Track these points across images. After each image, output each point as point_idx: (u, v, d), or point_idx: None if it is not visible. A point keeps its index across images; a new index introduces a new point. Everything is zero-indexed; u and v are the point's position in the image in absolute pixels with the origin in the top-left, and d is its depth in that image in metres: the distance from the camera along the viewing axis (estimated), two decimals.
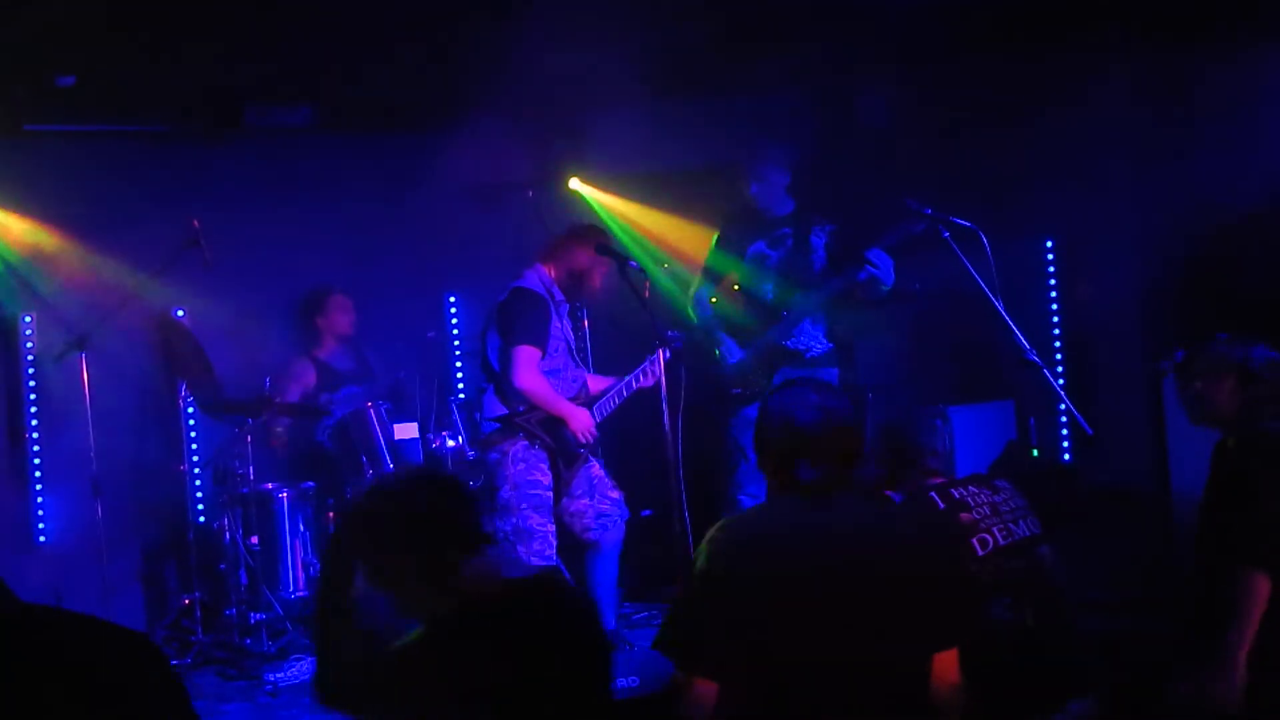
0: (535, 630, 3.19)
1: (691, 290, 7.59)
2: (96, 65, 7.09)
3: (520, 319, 6.51)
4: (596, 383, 6.85)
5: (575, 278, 6.62)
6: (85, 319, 7.76)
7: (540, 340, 6.49)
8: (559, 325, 6.60)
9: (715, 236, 7.58)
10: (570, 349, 6.70)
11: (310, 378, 8.30)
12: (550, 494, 6.52)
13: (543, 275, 6.63)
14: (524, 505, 6.46)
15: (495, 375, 6.60)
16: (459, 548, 3.24)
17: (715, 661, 3.42)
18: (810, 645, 3.39)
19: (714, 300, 7.60)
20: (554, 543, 6.50)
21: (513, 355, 6.46)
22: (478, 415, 7.19)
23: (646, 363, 6.57)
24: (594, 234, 6.75)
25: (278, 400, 7.75)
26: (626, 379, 6.67)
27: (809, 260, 7.21)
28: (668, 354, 6.29)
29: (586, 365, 7.19)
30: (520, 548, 6.43)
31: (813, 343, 7.20)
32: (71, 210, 7.96)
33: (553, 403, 6.51)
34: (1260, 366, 4.86)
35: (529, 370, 6.45)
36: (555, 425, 6.52)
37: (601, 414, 6.64)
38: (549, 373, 6.55)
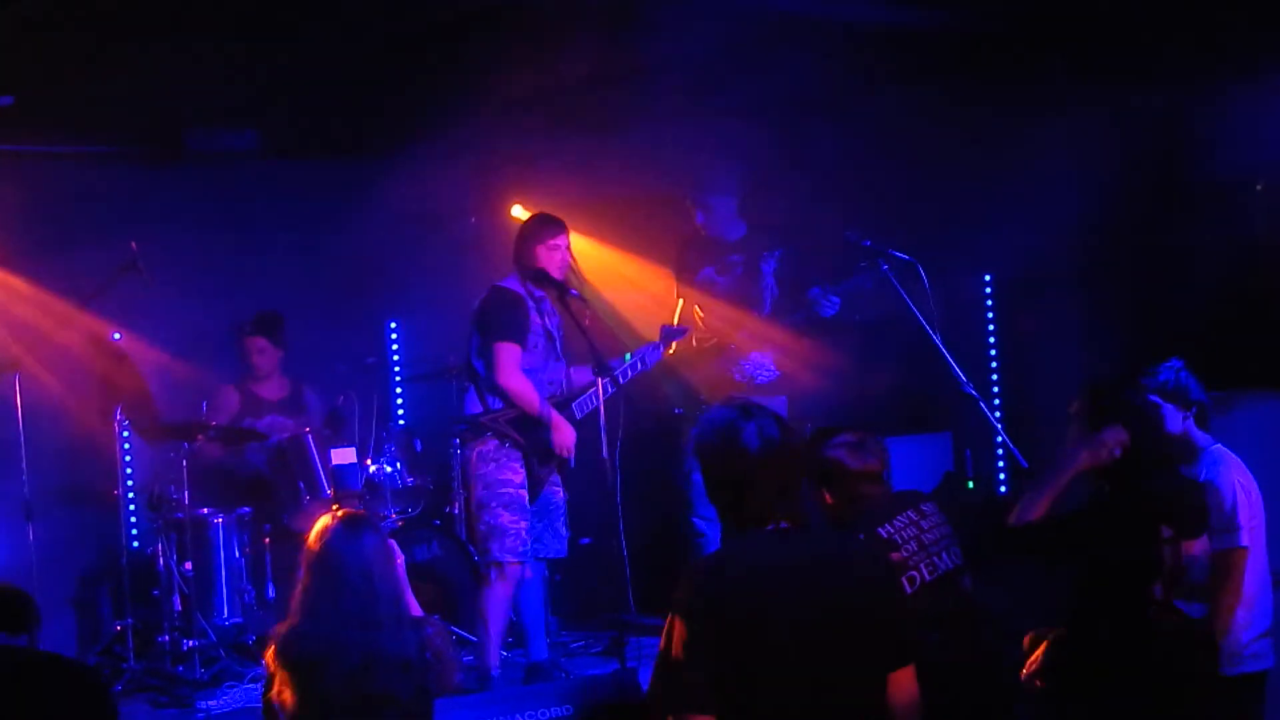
0: None
1: (676, 313, 7.63)
2: (36, 86, 7.02)
3: (497, 316, 6.53)
4: (580, 374, 6.80)
5: (539, 271, 6.60)
6: (20, 341, 7.68)
7: (519, 336, 6.49)
8: (539, 321, 6.59)
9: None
10: (551, 344, 6.67)
11: (233, 404, 8.26)
12: (523, 492, 6.49)
13: (518, 276, 6.64)
14: (494, 503, 6.43)
15: (477, 376, 6.58)
16: None
17: (706, 696, 3.36)
18: (791, 677, 3.39)
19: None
20: (528, 540, 6.45)
21: (494, 352, 6.47)
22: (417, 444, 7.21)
23: (588, 395, 6.58)
24: (538, 225, 6.72)
25: (213, 424, 7.68)
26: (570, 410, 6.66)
27: (759, 288, 7.26)
28: (609, 386, 6.30)
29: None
30: (493, 545, 6.40)
31: (757, 371, 7.22)
32: (8, 230, 7.86)
33: (536, 406, 6.49)
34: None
35: (513, 369, 6.45)
36: (527, 424, 6.50)
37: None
38: (524, 371, 6.53)
